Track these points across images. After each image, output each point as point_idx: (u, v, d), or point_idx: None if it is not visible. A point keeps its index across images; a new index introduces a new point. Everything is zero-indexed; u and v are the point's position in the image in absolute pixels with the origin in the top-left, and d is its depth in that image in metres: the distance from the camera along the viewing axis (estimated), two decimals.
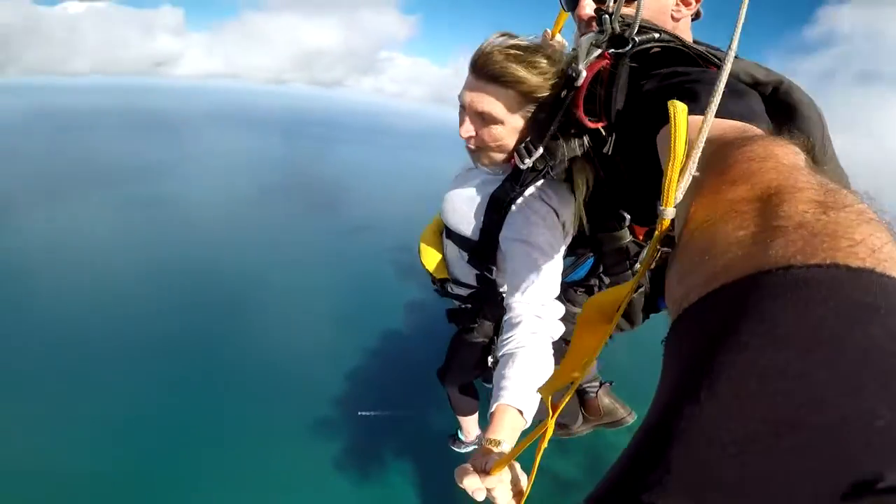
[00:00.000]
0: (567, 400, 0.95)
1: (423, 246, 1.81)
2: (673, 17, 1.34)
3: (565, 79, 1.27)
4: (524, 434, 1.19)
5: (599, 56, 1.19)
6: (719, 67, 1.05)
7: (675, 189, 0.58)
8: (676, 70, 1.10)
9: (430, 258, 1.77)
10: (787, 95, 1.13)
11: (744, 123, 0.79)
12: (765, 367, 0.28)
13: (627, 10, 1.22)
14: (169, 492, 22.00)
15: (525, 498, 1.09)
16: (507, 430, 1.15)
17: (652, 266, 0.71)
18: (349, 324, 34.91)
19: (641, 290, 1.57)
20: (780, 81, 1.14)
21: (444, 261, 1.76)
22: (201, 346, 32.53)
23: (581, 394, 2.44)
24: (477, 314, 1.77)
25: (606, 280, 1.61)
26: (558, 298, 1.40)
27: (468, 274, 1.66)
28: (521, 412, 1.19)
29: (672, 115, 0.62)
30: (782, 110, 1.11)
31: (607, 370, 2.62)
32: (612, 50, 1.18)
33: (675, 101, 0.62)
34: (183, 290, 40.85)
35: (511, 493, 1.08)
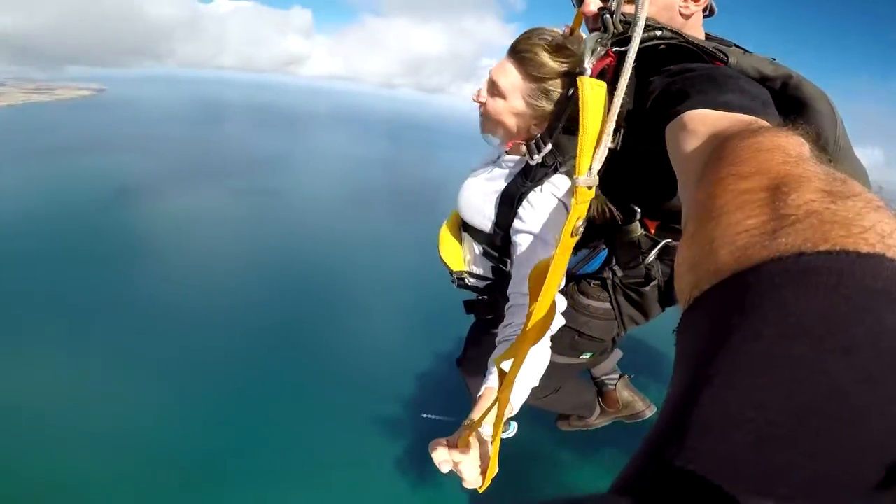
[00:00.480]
0: (518, 371, 1.04)
1: (442, 238, 1.83)
2: (682, 14, 1.34)
3: (572, 77, 1.31)
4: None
5: (604, 54, 1.22)
6: (725, 62, 1.15)
7: (588, 158, 0.60)
8: (678, 67, 1.12)
9: (449, 250, 1.79)
10: (797, 90, 1.13)
11: (750, 116, 0.81)
12: (779, 356, 0.28)
13: (630, 9, 1.17)
14: (246, 473, 23.49)
15: (490, 476, 1.12)
16: (482, 408, 1.20)
17: (574, 236, 0.81)
18: (428, 326, 35.42)
19: (654, 283, 1.58)
20: (789, 76, 1.15)
21: (462, 253, 1.77)
22: (290, 333, 34.88)
23: (600, 386, 2.44)
24: (494, 305, 1.75)
25: (619, 272, 1.61)
26: (564, 292, 1.45)
27: (485, 266, 1.70)
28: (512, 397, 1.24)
29: (580, 90, 0.65)
30: (792, 104, 1.11)
31: (627, 363, 2.51)
32: (616, 48, 1.21)
33: (582, 77, 0.63)
34: (281, 279, 43.61)
35: (478, 470, 1.13)
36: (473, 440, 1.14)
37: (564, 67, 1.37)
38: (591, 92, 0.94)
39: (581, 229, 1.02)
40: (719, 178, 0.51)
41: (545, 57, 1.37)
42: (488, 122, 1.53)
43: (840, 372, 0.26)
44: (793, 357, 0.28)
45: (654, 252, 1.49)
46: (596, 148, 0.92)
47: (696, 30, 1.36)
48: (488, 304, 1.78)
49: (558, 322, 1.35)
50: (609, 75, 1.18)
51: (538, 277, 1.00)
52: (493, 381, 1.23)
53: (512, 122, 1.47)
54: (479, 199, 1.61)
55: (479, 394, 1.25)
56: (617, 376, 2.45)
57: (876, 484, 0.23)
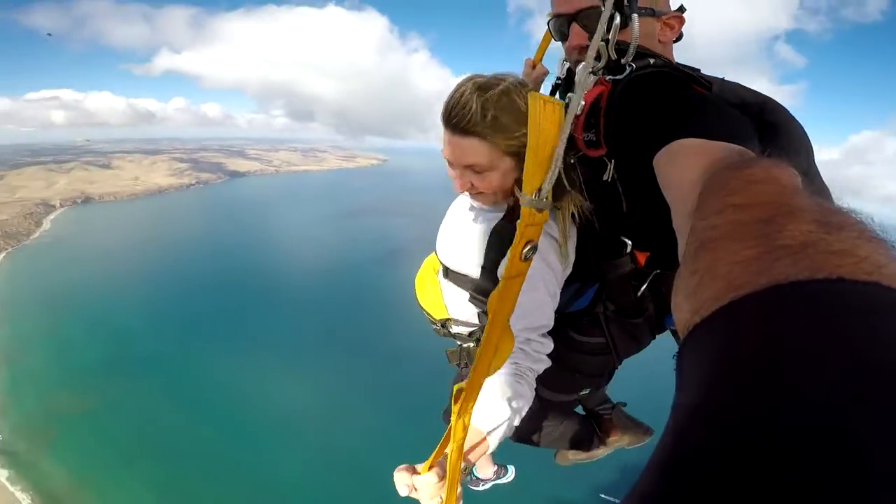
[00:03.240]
0: (474, 399, 1.08)
1: (419, 285, 1.79)
2: (659, 41, 1.37)
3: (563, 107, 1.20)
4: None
5: (595, 83, 1.20)
6: (708, 88, 1.29)
7: (537, 179, 0.62)
8: (668, 94, 1.17)
9: (428, 298, 1.74)
10: (773, 115, 1.22)
11: (739, 147, 0.85)
12: (782, 380, 0.29)
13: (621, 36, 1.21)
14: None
15: None
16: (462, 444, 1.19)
17: (524, 261, 0.86)
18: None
19: (647, 313, 1.56)
20: (765, 102, 1.24)
21: (444, 300, 1.71)
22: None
23: (596, 417, 2.41)
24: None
25: (612, 307, 1.58)
26: (556, 331, 1.44)
27: (469, 312, 1.63)
28: (480, 431, 1.28)
29: (531, 108, 0.70)
30: (769, 129, 1.18)
31: (617, 391, 2.44)
32: (610, 77, 1.24)
33: (533, 93, 0.69)
34: None
35: (436, 499, 1.19)
36: (438, 471, 1.20)
37: (519, 111, 1.26)
38: (543, 109, 0.89)
39: (530, 254, 0.99)
40: (716, 209, 0.53)
41: (499, 121, 1.27)
42: (488, 196, 1.44)
43: (844, 396, 0.27)
44: (794, 382, 0.28)
45: (645, 284, 1.48)
46: (547, 168, 0.87)
47: (669, 55, 1.39)
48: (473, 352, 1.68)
49: (542, 364, 1.38)
50: (603, 103, 1.23)
51: (490, 305, 1.00)
52: (482, 422, 1.27)
53: (512, 177, 1.38)
54: (463, 243, 1.56)
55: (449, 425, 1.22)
56: (611, 405, 2.41)
57: None
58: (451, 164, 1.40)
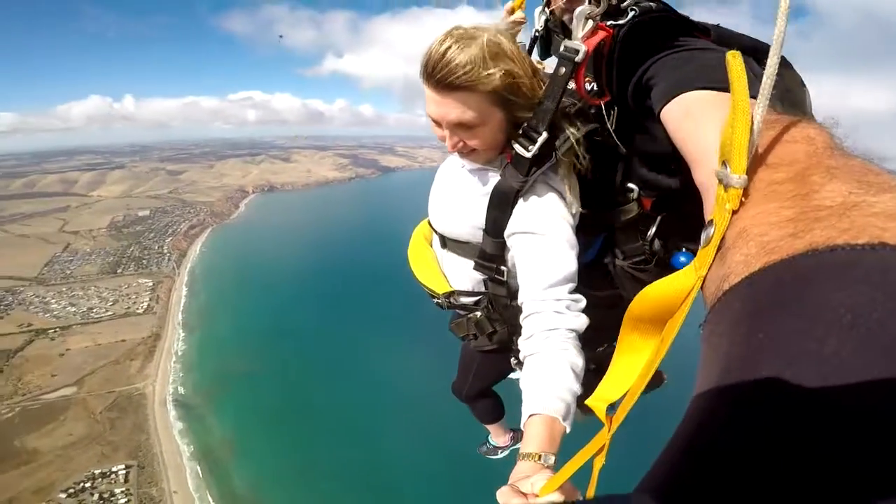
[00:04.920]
0: (625, 414, 0.79)
1: (413, 260, 1.68)
2: None
3: (560, 55, 1.20)
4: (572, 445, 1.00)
5: (594, 28, 1.15)
6: (707, 35, 1.10)
7: (745, 151, 0.50)
8: (675, 42, 1.07)
9: (426, 272, 1.63)
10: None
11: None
12: (813, 352, 0.27)
13: None
14: None
15: None
16: (545, 440, 1.06)
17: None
18: None
19: (658, 256, 1.41)
20: (757, 48, 1.10)
21: (444, 271, 1.61)
22: None
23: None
24: (487, 321, 1.61)
25: (620, 257, 1.48)
26: (578, 288, 1.29)
27: (474, 280, 1.53)
28: (554, 418, 1.10)
29: (732, 67, 0.56)
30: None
31: None
32: (611, 22, 1.14)
33: (734, 51, 0.58)
34: None
35: None
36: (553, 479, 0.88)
37: (512, 64, 1.22)
38: (739, 70, 0.62)
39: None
40: (748, 167, 0.50)
41: (483, 72, 1.18)
42: (480, 153, 1.35)
43: (878, 369, 0.25)
44: (827, 353, 0.27)
45: (653, 229, 1.40)
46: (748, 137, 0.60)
47: None
48: (479, 321, 1.59)
49: (581, 322, 1.25)
50: (605, 50, 1.14)
51: (657, 306, 0.68)
52: (535, 406, 1.11)
53: (504, 132, 1.32)
54: (461, 208, 1.46)
55: (523, 423, 1.12)
56: None
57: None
58: (437, 123, 1.32)
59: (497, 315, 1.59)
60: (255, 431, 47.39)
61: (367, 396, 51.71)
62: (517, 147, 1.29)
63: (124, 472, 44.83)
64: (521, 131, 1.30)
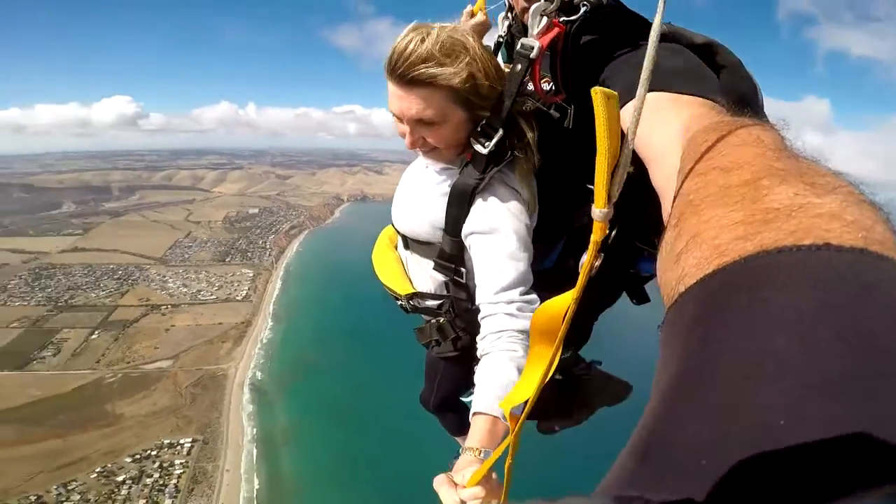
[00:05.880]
0: (523, 417, 0.92)
1: (377, 262, 1.69)
2: None
3: (517, 53, 1.20)
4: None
5: (549, 25, 1.15)
6: (663, 34, 1.05)
7: (605, 188, 0.54)
8: (628, 41, 1.11)
9: (389, 274, 1.63)
10: (722, 58, 1.14)
11: (712, 103, 0.82)
12: (760, 351, 0.28)
13: None
14: None
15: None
16: (485, 436, 1.11)
17: (591, 274, 0.66)
18: None
19: (618, 260, 1.44)
20: (713, 45, 1.14)
21: (407, 273, 1.61)
22: None
23: (573, 379, 2.26)
24: (450, 326, 1.58)
25: (580, 260, 1.44)
26: (534, 288, 1.29)
27: (436, 283, 1.52)
28: (496, 418, 1.14)
29: (596, 107, 0.54)
30: (717, 72, 1.10)
31: (593, 350, 2.28)
32: (564, 18, 1.14)
33: (597, 88, 0.55)
34: None
35: None
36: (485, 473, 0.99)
37: (473, 62, 1.22)
38: (606, 105, 0.58)
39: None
40: (699, 171, 0.51)
41: (446, 69, 1.20)
42: (440, 152, 1.35)
43: (828, 370, 0.26)
44: (776, 354, 0.28)
45: (613, 231, 1.39)
46: (615, 172, 0.63)
47: None
48: (443, 326, 1.57)
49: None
50: (559, 46, 1.17)
51: (549, 321, 0.81)
52: (480, 404, 1.16)
53: (464, 130, 1.31)
54: (420, 208, 1.46)
55: (470, 419, 1.17)
56: (586, 364, 2.21)
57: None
58: (398, 119, 1.32)
59: (459, 319, 1.55)
60: (314, 424, 48.54)
61: (425, 411, 51.70)
62: (475, 145, 1.29)
63: (189, 445, 47.11)
64: (479, 129, 1.30)
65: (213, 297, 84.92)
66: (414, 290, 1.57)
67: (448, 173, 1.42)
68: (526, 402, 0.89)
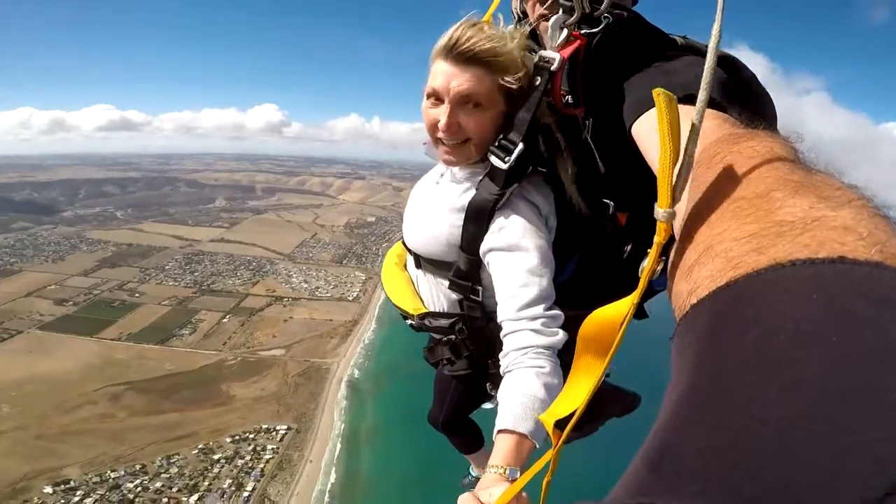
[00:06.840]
0: (568, 430, 0.85)
1: (387, 280, 1.66)
2: None
3: (536, 66, 1.22)
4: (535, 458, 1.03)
5: (568, 38, 1.14)
6: (675, 46, 1.11)
7: (670, 188, 0.53)
8: (646, 55, 1.09)
9: (400, 293, 1.60)
10: (737, 71, 1.10)
11: (726, 116, 0.80)
12: (777, 364, 0.28)
13: None
14: None
15: None
16: (511, 455, 1.09)
17: (655, 276, 0.63)
18: None
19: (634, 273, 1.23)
20: (725, 57, 1.10)
21: (418, 292, 1.58)
22: None
23: None
24: (463, 345, 1.55)
25: (597, 274, 1.49)
26: (557, 305, 1.27)
27: (449, 301, 1.50)
28: (522, 435, 1.11)
29: (658, 107, 0.54)
30: (740, 87, 1.06)
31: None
32: (585, 30, 1.13)
33: (659, 89, 0.55)
34: None
35: None
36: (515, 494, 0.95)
37: (520, 54, 1.24)
38: (669, 107, 0.58)
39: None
40: (713, 182, 0.51)
41: (506, 46, 1.21)
42: (468, 146, 1.30)
43: (842, 383, 0.26)
44: (790, 366, 0.27)
45: (629, 246, 1.39)
46: (680, 174, 0.61)
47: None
48: (455, 344, 1.52)
49: (560, 338, 1.22)
50: (580, 58, 1.13)
51: (601, 330, 0.76)
52: (505, 422, 1.11)
53: (493, 132, 1.28)
54: (434, 225, 1.42)
55: (494, 437, 1.13)
56: None
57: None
58: (438, 98, 1.28)
59: (472, 338, 1.53)
60: (399, 428, 48.61)
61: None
62: (493, 159, 1.27)
63: (284, 432, 49.18)
64: (497, 143, 1.27)
65: (329, 294, 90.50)
66: (426, 311, 1.54)
67: (462, 188, 1.38)
68: (571, 416, 0.83)
